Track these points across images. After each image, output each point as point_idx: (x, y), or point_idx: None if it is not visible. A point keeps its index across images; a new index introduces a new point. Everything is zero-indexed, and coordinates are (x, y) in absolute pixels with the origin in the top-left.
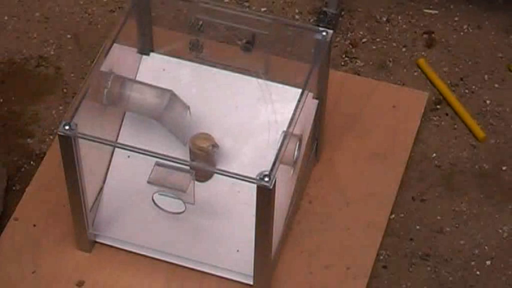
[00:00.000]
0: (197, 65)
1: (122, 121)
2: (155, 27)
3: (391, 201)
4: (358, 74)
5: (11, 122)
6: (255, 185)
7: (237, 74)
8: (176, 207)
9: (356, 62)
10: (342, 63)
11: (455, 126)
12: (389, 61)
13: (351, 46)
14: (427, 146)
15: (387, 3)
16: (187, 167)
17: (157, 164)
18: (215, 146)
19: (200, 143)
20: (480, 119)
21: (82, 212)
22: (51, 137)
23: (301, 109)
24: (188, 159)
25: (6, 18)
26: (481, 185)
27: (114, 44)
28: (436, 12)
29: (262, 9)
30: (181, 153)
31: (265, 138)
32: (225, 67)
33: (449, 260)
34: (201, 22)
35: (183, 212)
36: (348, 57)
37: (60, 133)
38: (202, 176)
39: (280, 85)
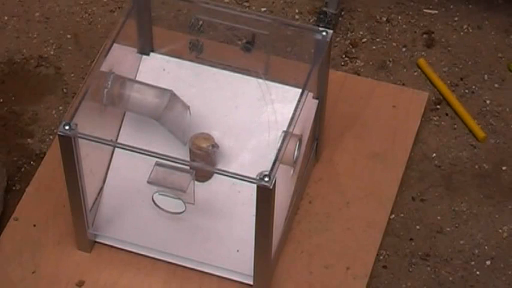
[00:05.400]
0: (197, 65)
1: (122, 121)
2: (155, 27)
3: (391, 201)
4: (358, 74)
5: (11, 122)
6: (255, 185)
7: (237, 74)
8: (176, 207)
9: (356, 62)
10: (342, 63)
11: (455, 126)
12: (389, 61)
13: (351, 46)
14: (427, 146)
15: (387, 3)
16: (187, 167)
17: (157, 164)
18: (215, 146)
19: (200, 143)
20: (480, 119)
21: (82, 212)
22: (51, 137)
23: (301, 109)
24: (188, 159)
25: (6, 18)
26: (481, 185)
27: (114, 44)
28: (436, 12)
29: (262, 9)
30: (181, 153)
31: (265, 138)
32: (225, 67)
33: (449, 260)
34: (201, 22)
35: (183, 212)
36: (348, 57)
37: (60, 133)
38: (202, 176)
39: (280, 85)
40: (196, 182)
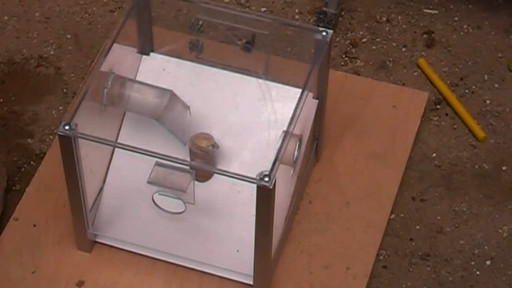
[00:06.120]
0: (197, 65)
1: (122, 121)
2: (155, 27)
3: (391, 201)
4: (358, 74)
5: (11, 122)
6: (255, 185)
7: (237, 74)
8: (176, 207)
9: (356, 62)
10: (342, 63)
11: (455, 126)
12: (389, 61)
13: (351, 46)
14: (427, 146)
15: (387, 3)
16: (187, 167)
17: (157, 164)
18: (215, 146)
19: (200, 143)
20: (480, 119)
21: (82, 212)
22: (51, 137)
23: (301, 109)
24: (188, 159)
25: (6, 18)
26: (481, 185)
27: (114, 44)
28: (436, 12)
29: (262, 9)
30: (181, 153)
31: (265, 138)
32: (225, 67)
33: (449, 260)
34: (201, 22)
35: (183, 212)
36: (348, 57)
37: (60, 133)
38: (202, 176)
39: (280, 85)
40: (196, 182)
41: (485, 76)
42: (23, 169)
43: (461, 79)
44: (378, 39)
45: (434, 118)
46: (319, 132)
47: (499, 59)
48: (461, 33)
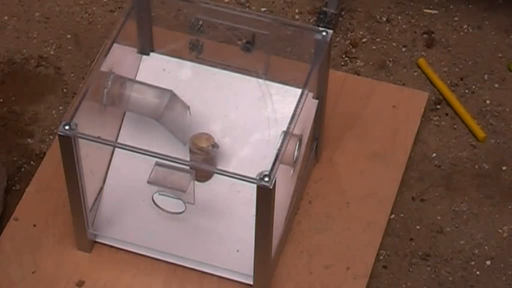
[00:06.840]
0: (197, 65)
1: (122, 121)
2: (155, 27)
3: (391, 201)
4: (358, 74)
5: (11, 122)
6: (255, 185)
7: (237, 74)
8: (176, 207)
9: (356, 62)
10: (342, 63)
11: (455, 126)
12: (389, 61)
13: (351, 46)
14: (427, 146)
15: (387, 3)
16: (187, 167)
17: (157, 164)
18: (215, 146)
19: (200, 143)
20: (480, 119)
21: (82, 212)
22: (51, 137)
23: (301, 109)
24: (188, 159)
25: (6, 18)
26: (481, 185)
27: (114, 44)
28: (436, 12)
29: (262, 9)
30: (181, 153)
31: (265, 138)
32: (225, 67)
33: (449, 260)
34: (201, 22)
35: (183, 212)
36: (348, 57)
37: (60, 133)
38: (202, 176)
39: (280, 85)
40: (196, 182)
41: (485, 76)
42: (23, 169)
43: (461, 79)
44: (378, 39)
45: (434, 118)
46: (319, 132)
47: (499, 59)
48: (461, 33)
